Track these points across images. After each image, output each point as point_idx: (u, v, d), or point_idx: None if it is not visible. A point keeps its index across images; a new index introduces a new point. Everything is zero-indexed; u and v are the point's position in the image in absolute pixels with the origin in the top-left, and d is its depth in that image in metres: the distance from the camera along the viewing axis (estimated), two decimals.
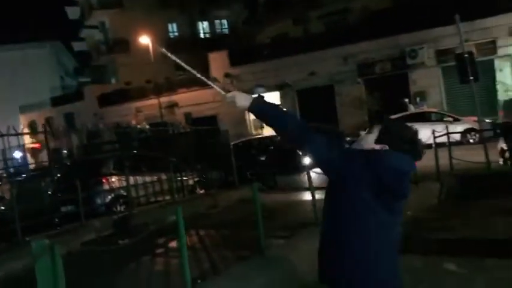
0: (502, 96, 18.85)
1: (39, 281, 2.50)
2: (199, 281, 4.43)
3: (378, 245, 2.07)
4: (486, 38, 18.82)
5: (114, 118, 25.82)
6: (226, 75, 24.79)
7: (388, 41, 20.66)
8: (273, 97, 24.51)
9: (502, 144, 9.82)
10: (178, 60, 2.50)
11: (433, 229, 6.12)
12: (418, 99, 19.41)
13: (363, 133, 2.26)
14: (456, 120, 15.60)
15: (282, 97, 24.00)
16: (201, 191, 11.06)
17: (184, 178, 10.28)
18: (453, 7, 17.36)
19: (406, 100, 18.80)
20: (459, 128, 14.74)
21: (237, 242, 6.24)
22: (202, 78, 2.48)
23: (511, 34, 18.59)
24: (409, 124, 2.35)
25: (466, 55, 8.92)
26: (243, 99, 2.20)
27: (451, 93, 20.38)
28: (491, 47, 18.94)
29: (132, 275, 5.33)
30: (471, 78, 9.05)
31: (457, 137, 13.02)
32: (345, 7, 24.82)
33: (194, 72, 2.48)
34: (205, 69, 26.68)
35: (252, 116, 17.93)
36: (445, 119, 15.79)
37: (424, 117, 16.81)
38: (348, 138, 12.86)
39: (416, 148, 2.09)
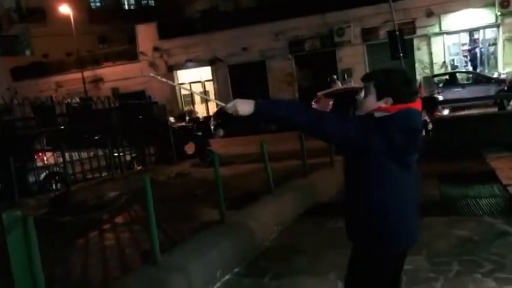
0: (420, 73, 20.31)
1: (13, 254, 2.34)
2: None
3: (402, 201, 2.18)
4: (406, 19, 20.00)
5: (31, 93, 23.93)
6: (156, 48, 23.94)
7: (318, 19, 21.21)
8: (204, 72, 24.18)
9: (425, 117, 10.67)
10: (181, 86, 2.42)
11: None
12: (345, 75, 20.26)
13: (359, 98, 2.24)
14: None
15: (213, 72, 23.79)
16: (139, 167, 10.78)
17: (121, 154, 9.93)
18: None
19: (335, 77, 19.55)
20: None
21: (187, 215, 6.22)
22: (205, 97, 2.43)
23: (428, 15, 19.94)
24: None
25: (397, 33, 9.47)
26: (245, 106, 2.12)
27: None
28: (411, 27, 20.19)
29: (84, 250, 5.13)
30: (401, 54, 9.66)
31: None
32: None
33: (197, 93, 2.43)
34: (132, 42, 25.56)
35: (183, 92, 17.76)
36: None
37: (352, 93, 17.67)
38: None
39: (414, 87, 2.16)
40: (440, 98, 13.51)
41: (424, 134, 10.47)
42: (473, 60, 20.79)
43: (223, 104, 2.23)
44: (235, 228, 4.51)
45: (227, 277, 4.08)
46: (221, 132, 18.31)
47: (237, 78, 23.00)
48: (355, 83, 20.11)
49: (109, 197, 7.95)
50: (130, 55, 25.15)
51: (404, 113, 2.11)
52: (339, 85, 19.15)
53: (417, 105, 2.16)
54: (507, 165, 7.17)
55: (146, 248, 4.36)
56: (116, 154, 9.69)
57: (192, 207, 6.55)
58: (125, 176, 9.49)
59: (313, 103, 17.51)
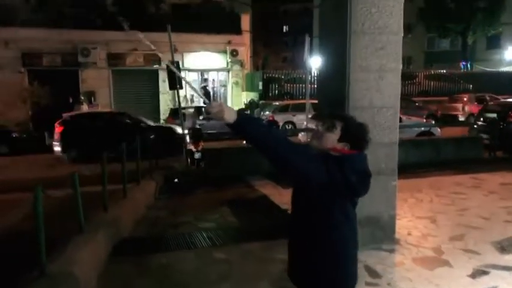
0: (163, 103, 21.30)
1: None
2: None
3: (346, 245, 2.20)
4: (152, 50, 20.71)
5: None
6: None
7: (60, 34, 19.43)
8: None
9: (191, 147, 11.18)
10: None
11: (171, 226, 6.47)
12: (93, 98, 19.20)
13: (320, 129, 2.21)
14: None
15: None
16: None
17: None
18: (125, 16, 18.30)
19: (82, 98, 18.27)
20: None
21: None
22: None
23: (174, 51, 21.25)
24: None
25: (175, 65, 9.73)
26: (231, 112, 1.93)
27: (119, 96, 21.21)
28: (156, 58, 21.07)
29: None
30: (178, 86, 9.98)
31: None
32: None
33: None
34: None
35: None
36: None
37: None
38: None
39: (368, 143, 2.22)
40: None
41: (190, 163, 10.99)
42: (208, 98, 23.31)
43: (207, 101, 1.96)
44: (61, 283, 3.61)
45: None
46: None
47: None
48: (102, 107, 19.28)
49: None
50: None
51: (359, 155, 2.19)
52: (85, 108, 17.98)
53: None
54: (273, 191, 8.31)
55: None
56: None
57: None
58: None
59: (56, 125, 15.77)
